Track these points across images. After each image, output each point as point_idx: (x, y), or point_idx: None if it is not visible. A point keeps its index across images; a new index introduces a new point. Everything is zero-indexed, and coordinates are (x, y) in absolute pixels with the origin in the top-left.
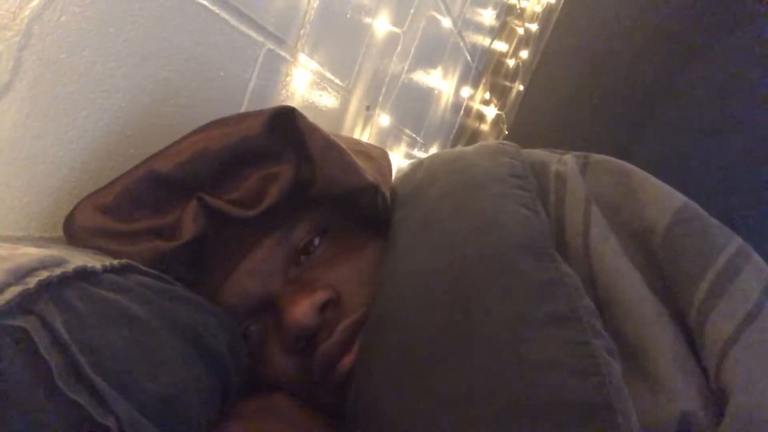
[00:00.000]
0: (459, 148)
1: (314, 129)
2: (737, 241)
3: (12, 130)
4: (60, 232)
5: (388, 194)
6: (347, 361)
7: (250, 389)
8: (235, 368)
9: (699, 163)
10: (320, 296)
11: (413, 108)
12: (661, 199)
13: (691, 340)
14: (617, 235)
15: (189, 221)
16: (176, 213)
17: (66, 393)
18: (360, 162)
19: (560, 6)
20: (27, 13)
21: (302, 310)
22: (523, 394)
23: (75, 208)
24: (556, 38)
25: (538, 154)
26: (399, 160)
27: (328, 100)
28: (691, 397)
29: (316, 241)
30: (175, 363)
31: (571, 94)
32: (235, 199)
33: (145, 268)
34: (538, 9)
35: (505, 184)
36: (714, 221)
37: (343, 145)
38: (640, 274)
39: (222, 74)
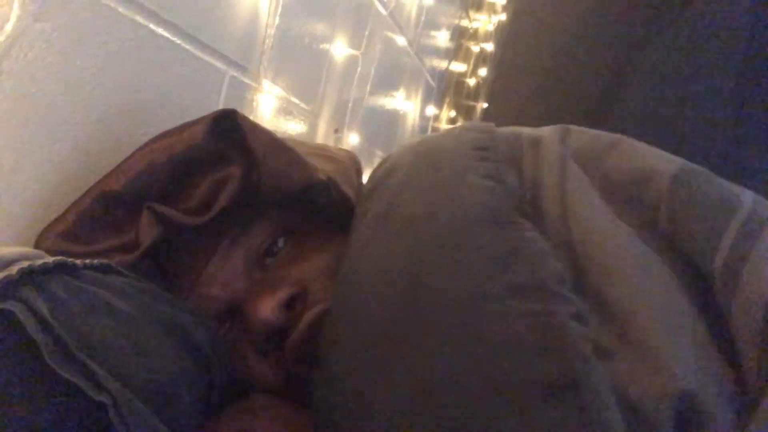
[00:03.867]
0: (427, 134)
1: (257, 128)
2: (749, 192)
3: None
4: None
5: (348, 191)
6: None
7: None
8: (219, 368)
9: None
10: (284, 292)
11: (381, 129)
12: (660, 153)
13: (694, 288)
14: (600, 189)
15: (144, 231)
16: (134, 229)
17: (57, 372)
18: (312, 160)
19: (508, 22)
20: None
21: (266, 307)
22: (484, 378)
23: (37, 239)
24: (509, 53)
25: (514, 127)
26: None
27: (296, 125)
28: (691, 372)
29: (280, 242)
30: (161, 355)
31: (528, 104)
32: (189, 208)
33: (124, 271)
34: (491, 28)
35: (466, 158)
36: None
37: (291, 144)
38: (628, 228)
39: (189, 102)
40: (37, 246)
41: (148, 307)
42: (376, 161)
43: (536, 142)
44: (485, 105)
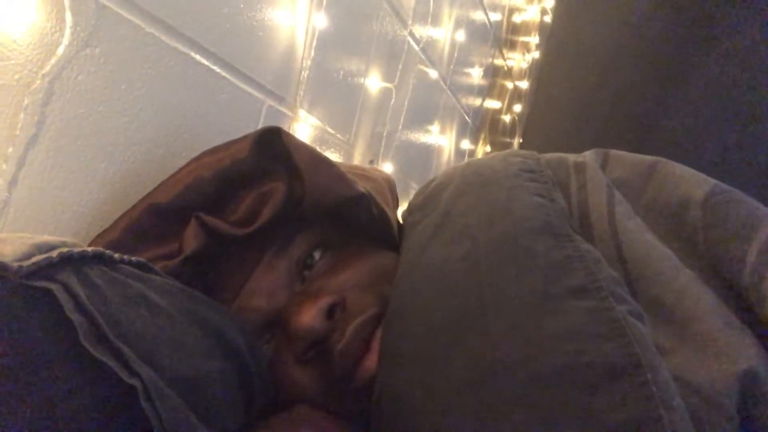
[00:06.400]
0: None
1: (300, 145)
2: None
3: (39, 180)
4: None
5: (385, 208)
6: (369, 362)
7: (273, 408)
8: (257, 373)
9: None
10: (324, 300)
11: (416, 162)
12: (693, 176)
13: (736, 303)
14: (642, 216)
15: (189, 237)
16: (180, 240)
17: (91, 352)
18: (351, 176)
19: (542, 59)
20: (48, 69)
21: (308, 315)
22: (546, 364)
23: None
24: (544, 89)
25: (555, 153)
26: None
27: (331, 155)
28: (750, 355)
29: (316, 254)
30: (197, 352)
31: (565, 138)
32: (234, 221)
33: (162, 273)
34: (525, 66)
35: (517, 178)
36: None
37: (333, 161)
38: (669, 250)
39: (228, 128)
40: None
41: (185, 305)
42: (412, 193)
43: (581, 168)
44: (521, 141)
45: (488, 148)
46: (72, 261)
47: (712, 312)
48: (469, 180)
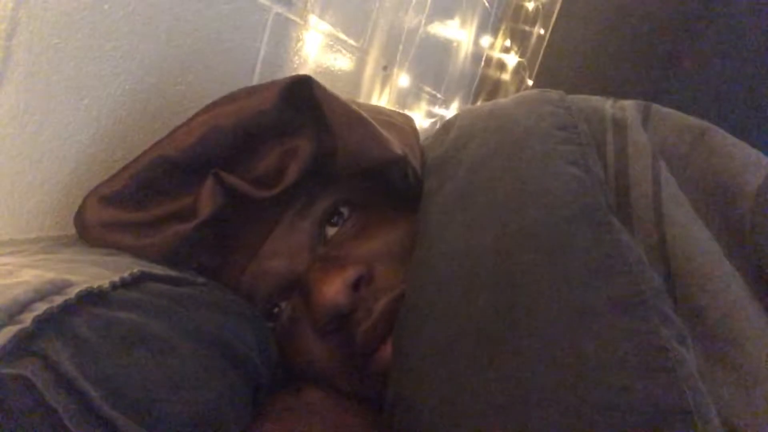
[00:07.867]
0: (494, 101)
1: (333, 98)
2: None
3: (9, 126)
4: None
5: (417, 166)
6: (385, 352)
7: (280, 381)
8: (265, 370)
9: (730, 101)
10: (351, 273)
11: (432, 63)
12: (747, 156)
13: None
14: (688, 195)
15: (206, 198)
16: (193, 196)
17: None
18: (385, 132)
19: None
20: None
21: (334, 288)
22: (585, 398)
23: (82, 203)
24: None
25: (589, 99)
26: (420, 119)
27: (342, 62)
28: None
29: (345, 212)
30: (204, 378)
31: (595, 38)
32: (255, 178)
33: (161, 274)
34: None
35: (550, 139)
36: None
37: (366, 115)
38: (717, 245)
39: (230, 45)
40: (81, 209)
41: (187, 322)
42: (424, 98)
43: (620, 124)
44: (541, 31)
45: (508, 42)
46: (52, 320)
47: (760, 341)
48: (494, 138)
